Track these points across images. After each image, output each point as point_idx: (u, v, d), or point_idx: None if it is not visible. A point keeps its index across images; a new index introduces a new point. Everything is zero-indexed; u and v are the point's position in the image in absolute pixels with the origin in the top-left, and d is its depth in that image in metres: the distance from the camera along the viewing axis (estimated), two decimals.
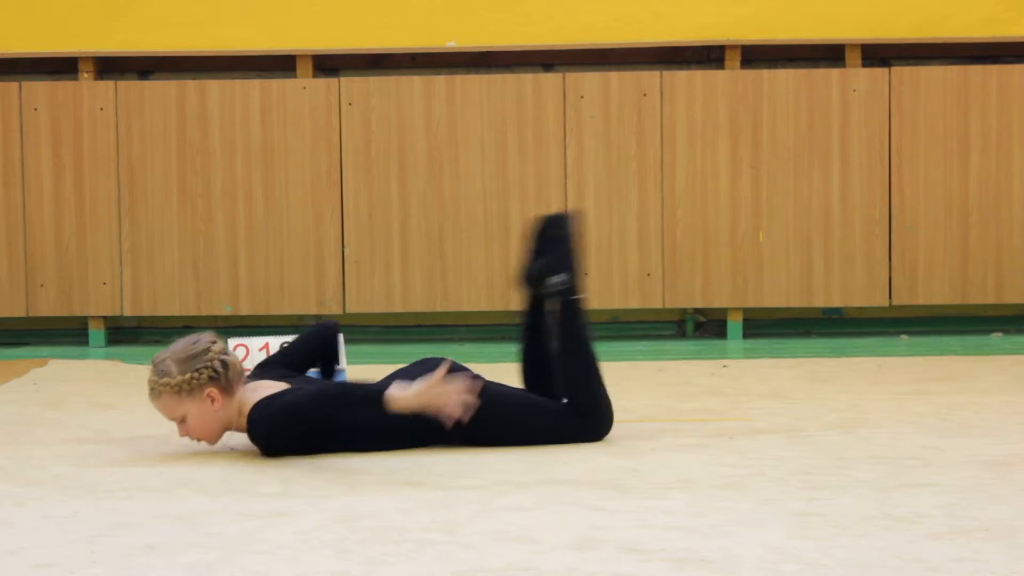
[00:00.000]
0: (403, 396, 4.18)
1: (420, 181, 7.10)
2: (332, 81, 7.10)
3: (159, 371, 4.31)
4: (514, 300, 7.08)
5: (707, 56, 7.28)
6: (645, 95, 7.06)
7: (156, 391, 4.32)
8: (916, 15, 7.47)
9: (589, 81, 7.08)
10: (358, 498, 3.80)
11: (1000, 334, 7.21)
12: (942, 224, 7.08)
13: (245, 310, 7.11)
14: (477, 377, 4.49)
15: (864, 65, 7.13)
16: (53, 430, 4.93)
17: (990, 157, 7.07)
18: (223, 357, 4.34)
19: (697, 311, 7.40)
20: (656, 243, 7.10)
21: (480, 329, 7.26)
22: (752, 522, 3.48)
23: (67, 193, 7.10)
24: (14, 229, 7.11)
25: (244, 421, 4.33)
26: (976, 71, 7.07)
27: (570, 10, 7.53)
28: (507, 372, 4.82)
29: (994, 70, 7.08)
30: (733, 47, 7.11)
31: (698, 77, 7.07)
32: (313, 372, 4.70)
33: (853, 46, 7.12)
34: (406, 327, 7.37)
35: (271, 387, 4.39)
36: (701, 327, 7.42)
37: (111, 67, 7.31)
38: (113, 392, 5.79)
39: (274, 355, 4.68)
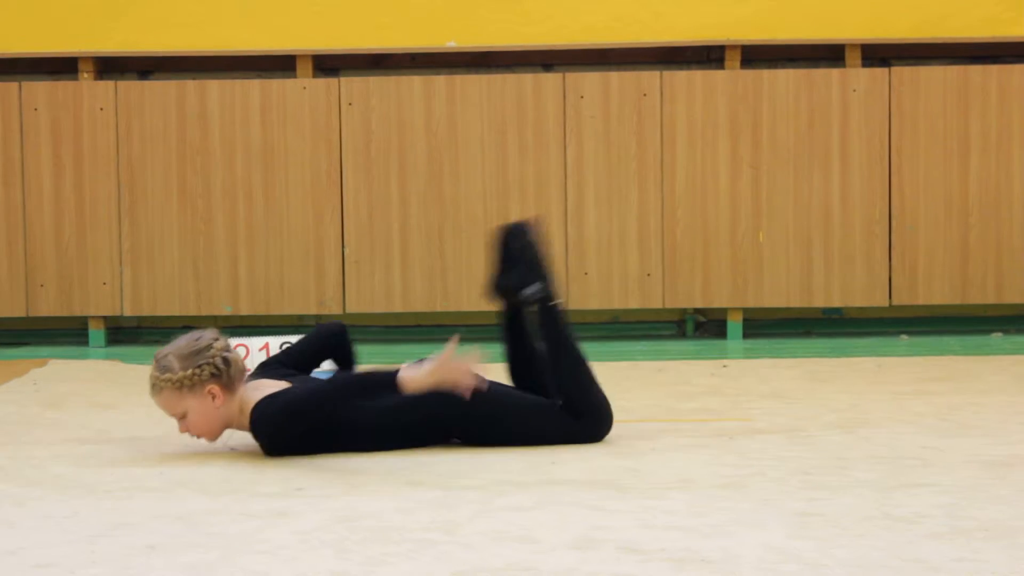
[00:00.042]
0: (416, 377, 4.22)
1: (420, 181, 7.10)
2: (332, 81, 7.10)
3: (161, 367, 4.31)
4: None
5: (707, 56, 7.28)
6: (645, 95, 7.06)
7: (157, 387, 4.32)
8: (916, 15, 7.47)
9: (589, 81, 7.08)
10: (358, 498, 3.80)
11: (1000, 334, 7.21)
12: (942, 224, 7.08)
13: (245, 310, 7.11)
14: (479, 377, 4.49)
15: (864, 65, 7.13)
16: (53, 430, 4.93)
17: (990, 157, 7.07)
18: (225, 354, 4.34)
19: (697, 311, 7.40)
20: (656, 243, 7.10)
21: (480, 329, 7.26)
22: (752, 522, 3.48)
23: (67, 193, 7.10)
24: (14, 229, 7.11)
25: (245, 419, 4.33)
26: (976, 71, 7.07)
27: (570, 10, 7.53)
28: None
29: (994, 70, 7.08)
30: (733, 47, 7.11)
31: (698, 77, 7.07)
32: (317, 372, 4.70)
33: (853, 46, 7.12)
34: (406, 327, 7.37)
35: (273, 386, 4.39)
36: (701, 327, 7.42)
37: (111, 67, 7.31)
38: (113, 392, 5.79)
39: (277, 355, 4.68)
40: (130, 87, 7.11)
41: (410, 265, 7.09)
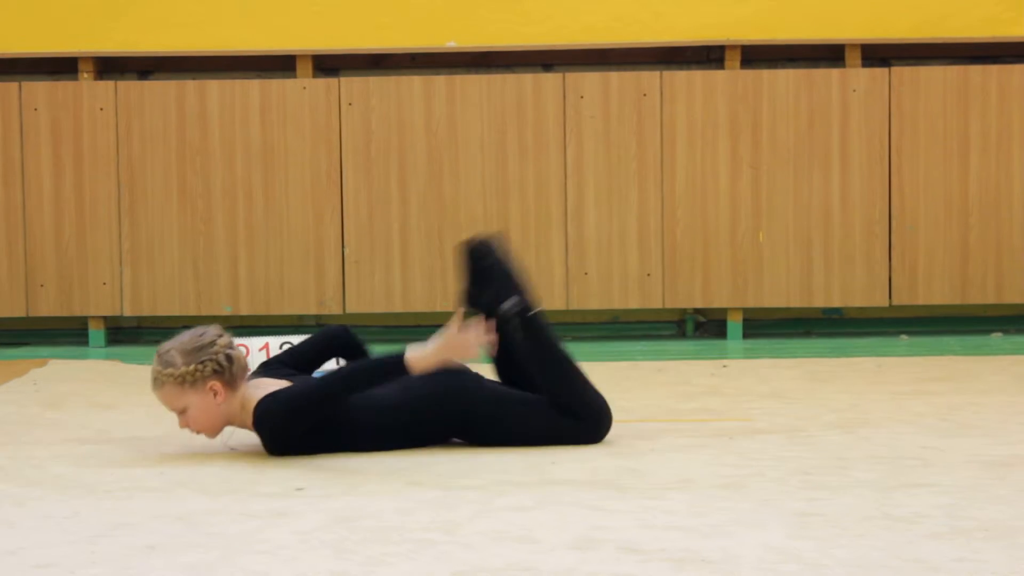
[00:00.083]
0: (423, 356, 4.25)
1: (420, 181, 7.10)
2: (332, 81, 7.10)
3: (163, 361, 4.31)
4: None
5: (707, 56, 7.28)
6: (645, 95, 7.06)
7: (159, 381, 4.32)
8: (916, 15, 7.47)
9: (589, 81, 7.08)
10: (358, 498, 3.80)
11: (1000, 334, 7.21)
12: (942, 224, 7.08)
13: (245, 310, 7.11)
14: (477, 376, 4.50)
15: (864, 65, 7.13)
16: (53, 430, 4.93)
17: (990, 157, 7.07)
18: (228, 351, 4.34)
19: (697, 311, 7.40)
20: (656, 243, 7.10)
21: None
22: (752, 522, 3.48)
23: (67, 193, 7.10)
24: (14, 229, 7.11)
25: (247, 417, 4.33)
26: (976, 71, 7.07)
27: (570, 10, 7.53)
28: None
29: (994, 70, 7.08)
30: (733, 47, 7.11)
31: (698, 77, 7.07)
32: (318, 373, 4.69)
33: (853, 46, 7.12)
34: (406, 327, 7.37)
35: (274, 384, 4.39)
36: (701, 327, 7.42)
37: (111, 67, 7.31)
38: (113, 392, 5.79)
39: (279, 355, 4.68)
40: (130, 87, 7.11)
41: (410, 265, 7.09)
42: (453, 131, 7.08)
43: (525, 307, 4.45)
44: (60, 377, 6.20)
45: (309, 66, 7.14)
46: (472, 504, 3.71)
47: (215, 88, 7.09)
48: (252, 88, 7.10)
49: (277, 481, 4.03)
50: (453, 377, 4.43)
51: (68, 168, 7.09)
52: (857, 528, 3.41)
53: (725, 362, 6.41)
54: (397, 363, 4.26)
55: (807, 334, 7.33)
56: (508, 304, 4.43)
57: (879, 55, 7.26)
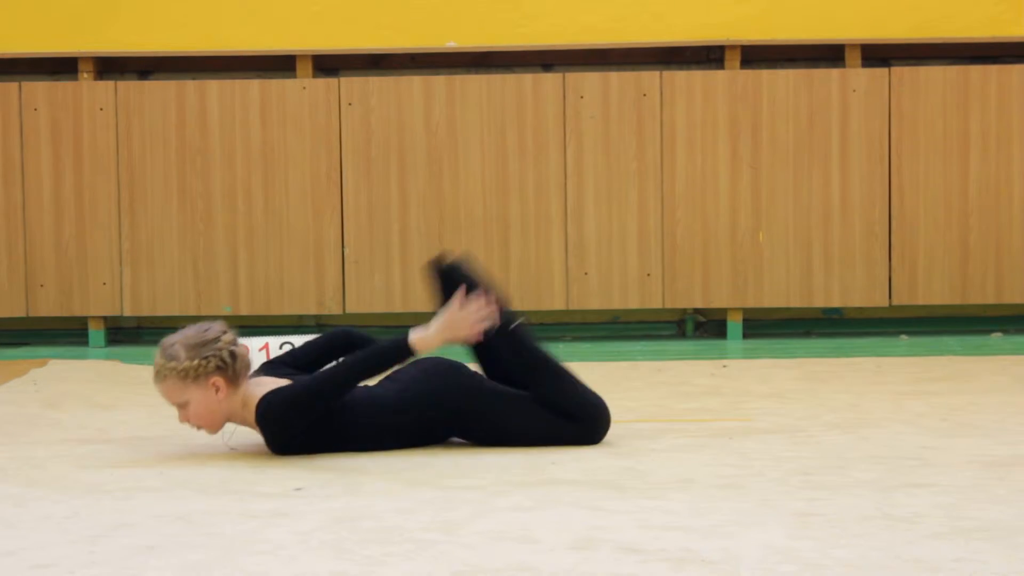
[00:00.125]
0: (427, 337, 4.30)
1: (420, 181, 7.10)
2: (332, 81, 7.10)
3: (167, 355, 4.31)
4: (513, 300, 7.08)
5: (707, 56, 7.28)
6: (645, 95, 7.06)
7: (162, 374, 4.31)
8: (916, 15, 7.47)
9: (589, 81, 7.08)
10: (358, 498, 3.80)
11: (1000, 334, 7.21)
12: (942, 224, 7.08)
13: (245, 310, 7.11)
14: (477, 375, 4.49)
15: (864, 65, 7.13)
16: (53, 430, 4.93)
17: (990, 157, 7.06)
18: (232, 348, 4.34)
19: (697, 311, 7.40)
20: (656, 243, 7.10)
21: None
22: (752, 522, 3.48)
23: (67, 193, 7.10)
24: (14, 229, 7.11)
25: (248, 414, 4.33)
26: (976, 71, 7.07)
27: (570, 10, 7.53)
28: None
29: (994, 70, 7.08)
30: (733, 47, 7.11)
31: (698, 77, 7.07)
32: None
33: (853, 46, 7.12)
34: (406, 327, 7.35)
35: (276, 383, 4.39)
36: (701, 327, 7.42)
37: (111, 67, 7.31)
38: (113, 392, 5.79)
39: (281, 356, 4.67)
40: (130, 87, 7.11)
41: (410, 265, 7.08)
42: (453, 131, 7.08)
43: (506, 321, 4.44)
44: (60, 377, 6.20)
45: (309, 66, 7.14)
46: (472, 504, 3.71)
47: (215, 88, 7.09)
48: (252, 88, 7.10)
49: (277, 481, 4.03)
50: (453, 376, 4.43)
51: (68, 168, 7.09)
52: (857, 528, 3.41)
53: (725, 362, 6.41)
54: (401, 347, 4.29)
55: (807, 334, 7.33)
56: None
57: (879, 55, 7.26)
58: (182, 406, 4.33)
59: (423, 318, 7.31)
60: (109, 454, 4.48)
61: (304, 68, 7.14)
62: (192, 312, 7.06)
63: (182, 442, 4.62)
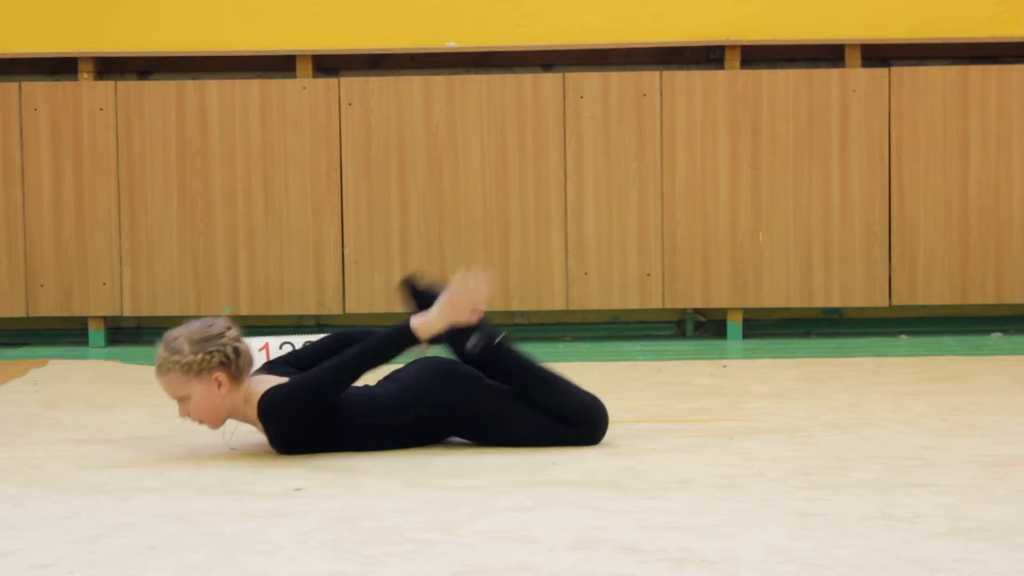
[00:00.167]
0: (429, 322, 4.29)
1: (420, 181, 7.10)
2: (332, 81, 7.10)
3: (171, 348, 4.31)
4: (513, 300, 7.09)
5: (707, 56, 7.28)
6: (645, 95, 7.06)
7: (164, 367, 4.31)
8: (916, 15, 7.47)
9: (589, 81, 7.08)
10: (358, 498, 3.80)
11: (999, 334, 7.21)
12: (942, 224, 7.08)
13: (245, 310, 7.11)
14: (476, 376, 4.49)
15: (864, 65, 7.13)
16: (53, 430, 4.93)
17: (990, 157, 7.06)
18: (236, 344, 4.34)
19: (697, 311, 7.40)
20: (656, 243, 7.10)
21: None
22: (752, 522, 3.48)
23: (67, 193, 7.10)
24: (14, 229, 7.11)
25: (249, 410, 4.33)
26: (976, 71, 7.07)
27: (570, 10, 7.53)
28: None
29: (994, 70, 7.08)
30: (733, 47, 7.11)
31: (698, 77, 7.07)
32: None
33: (853, 46, 7.12)
34: None
35: (277, 380, 4.39)
36: (701, 327, 7.42)
37: (111, 67, 7.31)
38: (113, 392, 5.79)
39: (283, 356, 4.67)
40: (130, 87, 7.11)
41: (410, 265, 7.08)
42: (453, 131, 7.08)
43: (489, 338, 4.42)
44: (60, 377, 6.20)
45: (309, 66, 7.14)
46: (472, 504, 3.71)
47: (215, 88, 7.09)
48: (252, 88, 7.10)
49: (277, 481, 4.03)
50: (451, 376, 4.43)
51: (68, 168, 7.09)
52: (857, 528, 3.41)
53: (725, 362, 6.41)
54: (404, 333, 4.28)
55: (807, 334, 7.33)
56: (471, 343, 4.40)
57: (879, 55, 7.26)
58: (183, 400, 4.33)
59: None
60: (109, 454, 4.48)
61: (304, 68, 7.14)
62: (192, 312, 7.05)
63: (182, 442, 4.62)
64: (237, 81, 7.12)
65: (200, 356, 4.28)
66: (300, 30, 7.49)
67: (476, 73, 7.23)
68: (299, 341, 4.74)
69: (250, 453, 4.42)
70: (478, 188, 7.09)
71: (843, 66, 7.11)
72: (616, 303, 7.12)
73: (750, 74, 7.07)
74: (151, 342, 7.08)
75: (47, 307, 7.13)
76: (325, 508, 3.69)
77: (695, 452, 4.38)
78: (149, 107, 7.08)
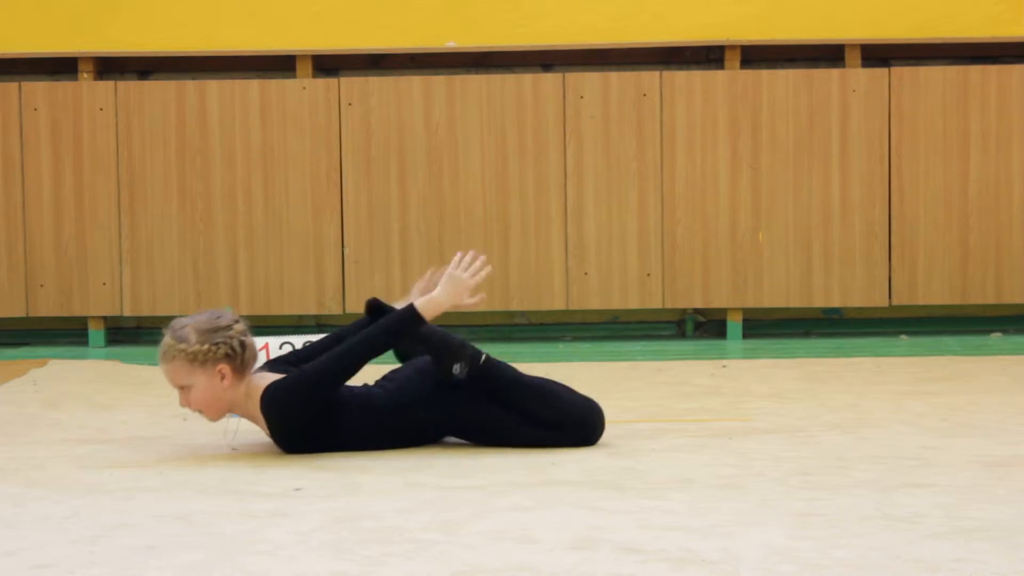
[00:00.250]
0: (432, 300, 4.34)
1: (420, 181, 7.10)
2: (332, 81, 7.10)
3: (177, 336, 4.31)
4: (513, 300, 7.09)
5: (707, 56, 7.28)
6: (645, 95, 7.06)
7: (170, 354, 4.31)
8: (916, 15, 7.47)
9: (589, 81, 7.08)
10: (358, 498, 3.80)
11: (999, 334, 7.20)
12: (942, 224, 7.08)
13: (245, 310, 7.10)
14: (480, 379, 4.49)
15: (864, 65, 7.13)
16: (53, 430, 4.93)
17: (990, 157, 7.06)
18: (242, 338, 4.34)
19: (697, 311, 7.40)
20: (656, 243, 7.10)
21: (480, 329, 7.27)
22: (752, 522, 3.48)
23: (67, 193, 7.10)
24: (14, 229, 7.11)
25: (250, 405, 4.33)
26: (976, 71, 7.07)
27: (570, 10, 7.53)
28: None
29: (994, 70, 7.08)
30: (733, 47, 7.11)
31: (698, 77, 7.07)
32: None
33: (853, 46, 7.12)
34: None
35: (279, 377, 4.39)
36: (701, 327, 7.42)
37: (111, 67, 7.31)
38: (113, 392, 5.79)
39: (285, 355, 4.67)
40: (130, 87, 7.11)
41: (410, 265, 7.08)
42: (453, 131, 7.08)
43: (473, 361, 4.41)
44: (60, 377, 6.20)
45: (309, 66, 7.14)
46: (472, 504, 3.71)
47: (215, 88, 7.09)
48: (252, 88, 7.10)
49: (277, 481, 4.03)
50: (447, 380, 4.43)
51: (68, 168, 7.09)
52: (857, 528, 3.41)
53: (725, 362, 6.41)
54: (407, 315, 4.30)
55: (807, 334, 7.33)
56: (456, 368, 4.39)
57: (879, 55, 7.26)
58: (185, 389, 4.33)
59: None
60: (109, 454, 4.48)
61: (304, 68, 7.14)
62: (192, 312, 7.05)
63: (182, 442, 4.62)
64: (237, 81, 7.12)
65: (206, 346, 4.29)
66: (300, 30, 7.49)
67: (476, 73, 7.23)
68: (299, 341, 4.74)
69: (250, 453, 4.42)
70: (478, 188, 7.09)
71: (843, 66, 7.11)
72: (616, 303, 7.12)
73: (750, 74, 7.07)
74: (151, 342, 7.08)
75: (47, 307, 7.13)
76: (325, 508, 3.69)
77: (695, 452, 4.38)
78: (149, 107, 7.08)
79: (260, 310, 7.09)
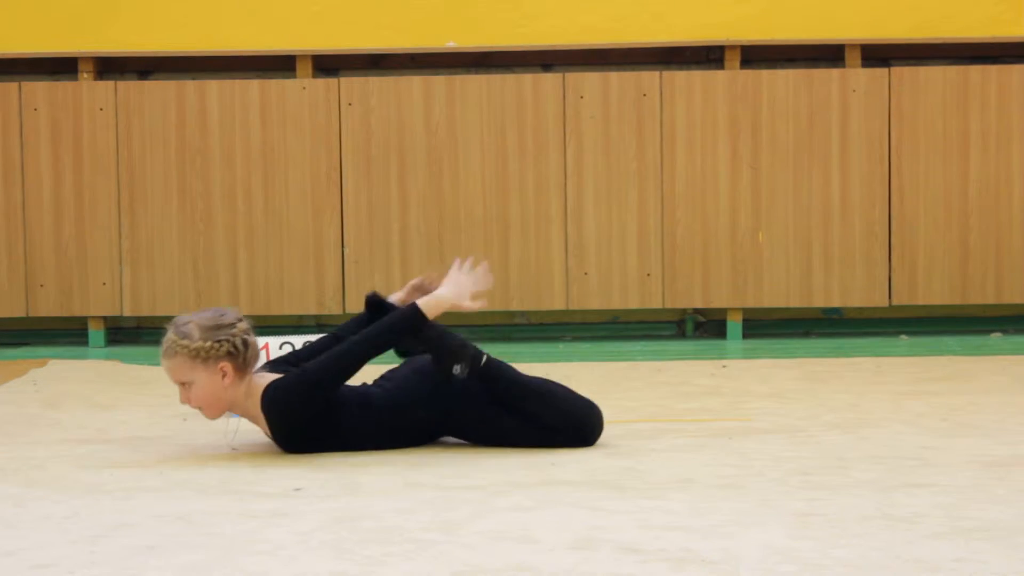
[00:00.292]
0: (435, 298, 4.37)
1: (420, 181, 7.10)
2: (332, 81, 7.10)
3: (180, 332, 4.31)
4: (513, 300, 7.09)
5: (707, 56, 7.28)
6: (645, 95, 7.06)
7: (172, 350, 4.31)
8: (916, 15, 7.47)
9: (589, 81, 7.08)
10: (358, 498, 3.80)
11: (999, 334, 7.21)
12: (942, 224, 7.08)
13: (245, 310, 7.07)
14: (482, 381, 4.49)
15: (864, 65, 7.13)
16: (53, 430, 4.93)
17: (990, 157, 7.06)
18: (245, 336, 4.34)
19: (697, 311, 7.40)
20: (656, 243, 7.10)
21: (480, 329, 7.26)
22: (752, 522, 3.48)
23: (67, 193, 7.10)
24: (14, 229, 7.11)
25: (251, 404, 4.33)
26: (976, 71, 7.07)
27: (570, 10, 7.53)
28: None
29: (994, 70, 7.08)
30: (733, 47, 7.11)
31: (698, 77, 7.07)
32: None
33: (853, 46, 7.12)
34: None
35: (278, 377, 4.39)
36: (701, 327, 7.42)
37: (111, 67, 7.31)
38: (113, 392, 5.79)
39: (284, 355, 4.68)
40: (130, 87, 7.11)
41: (410, 265, 7.08)
42: (453, 131, 7.08)
43: (475, 361, 4.41)
44: (60, 377, 6.20)
45: (309, 66, 7.14)
46: (472, 504, 3.71)
47: (215, 88, 7.09)
48: (252, 88, 7.10)
49: (277, 481, 4.03)
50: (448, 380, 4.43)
51: (68, 168, 7.09)
52: (857, 528, 3.41)
53: (725, 362, 6.41)
54: (412, 313, 4.31)
55: (807, 334, 7.33)
56: (458, 369, 4.39)
57: (879, 55, 7.26)
58: (185, 386, 4.32)
59: None
60: (109, 454, 4.48)
61: (304, 68, 7.14)
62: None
63: (182, 442, 4.62)
64: (237, 81, 7.12)
65: (209, 343, 4.29)
66: (300, 30, 7.49)
67: (476, 73, 7.23)
68: (299, 341, 4.74)
69: (250, 453, 4.42)
70: (478, 188, 7.09)
71: (843, 66, 7.11)
72: (616, 303, 7.12)
73: (750, 74, 7.07)
74: (151, 342, 7.10)
75: (47, 307, 7.13)
76: (325, 508, 3.69)
77: (695, 452, 4.38)
78: (149, 107, 7.08)
79: (260, 310, 7.09)
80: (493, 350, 4.56)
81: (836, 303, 7.15)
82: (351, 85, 7.08)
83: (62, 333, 7.34)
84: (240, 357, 4.32)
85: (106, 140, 7.09)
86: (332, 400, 4.34)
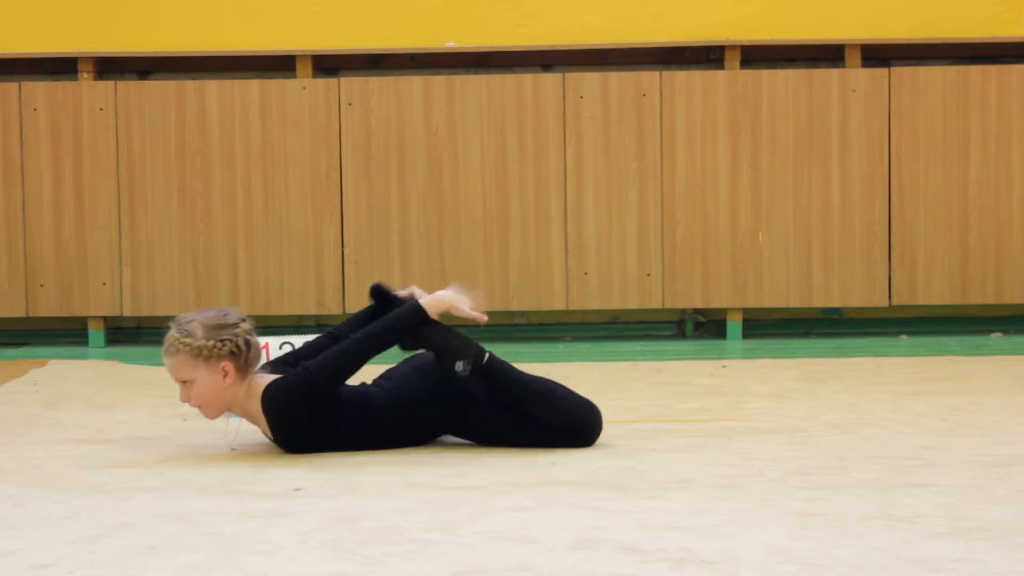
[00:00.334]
0: (438, 296, 4.41)
1: (420, 181, 7.10)
2: (332, 81, 7.10)
3: (183, 330, 4.31)
4: (513, 300, 7.09)
5: (707, 56, 7.28)
6: (645, 95, 7.06)
7: (174, 347, 4.31)
8: (916, 15, 7.47)
9: (589, 81, 7.08)
10: (358, 498, 3.80)
11: (999, 334, 7.21)
12: (942, 224, 7.08)
13: (245, 310, 7.04)
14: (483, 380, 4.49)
15: (864, 65, 7.13)
16: (53, 430, 4.93)
17: (990, 157, 7.06)
18: (248, 336, 4.35)
19: (697, 311, 7.40)
20: (656, 243, 7.10)
21: (480, 329, 7.25)
22: (752, 522, 3.48)
23: (67, 193, 7.10)
24: (14, 229, 7.11)
25: (251, 404, 4.33)
26: (976, 71, 7.07)
27: (570, 10, 7.53)
28: None
29: (994, 70, 7.08)
30: (732, 47, 7.11)
31: (697, 77, 7.07)
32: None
33: (853, 46, 7.12)
34: None
35: (278, 377, 4.39)
36: (701, 327, 7.42)
37: (111, 67, 7.31)
38: (113, 392, 5.79)
39: (284, 355, 4.68)
40: (130, 87, 7.11)
41: (410, 265, 7.08)
42: (453, 131, 7.08)
43: (477, 359, 4.41)
44: (60, 377, 6.20)
45: (309, 66, 7.14)
46: (472, 504, 3.71)
47: (215, 88, 7.09)
48: (252, 88, 7.10)
49: (277, 481, 4.03)
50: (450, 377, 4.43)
51: (68, 168, 7.09)
52: (857, 528, 3.41)
53: (725, 362, 6.41)
54: (415, 311, 4.32)
55: (807, 334, 7.33)
56: (459, 367, 4.39)
57: (879, 55, 7.26)
58: (186, 384, 4.33)
59: None
60: (109, 454, 4.48)
61: (304, 68, 7.14)
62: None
63: (182, 442, 4.62)
64: (237, 81, 7.12)
65: (211, 342, 4.29)
66: (300, 30, 7.49)
67: (476, 73, 7.23)
68: (299, 341, 4.74)
69: (250, 453, 4.42)
70: (478, 188, 7.09)
71: (843, 66, 7.11)
72: (616, 303, 7.12)
73: (750, 74, 7.07)
74: (151, 342, 7.11)
75: (47, 307, 7.13)
76: (325, 508, 3.69)
77: (695, 452, 4.38)
78: (149, 107, 7.08)
79: (260, 310, 7.09)
80: (493, 350, 4.56)
81: (836, 303, 7.15)
82: (351, 85, 7.08)
83: (62, 333, 7.34)
84: (242, 357, 4.32)
85: (106, 140, 7.09)
86: (332, 400, 4.34)
